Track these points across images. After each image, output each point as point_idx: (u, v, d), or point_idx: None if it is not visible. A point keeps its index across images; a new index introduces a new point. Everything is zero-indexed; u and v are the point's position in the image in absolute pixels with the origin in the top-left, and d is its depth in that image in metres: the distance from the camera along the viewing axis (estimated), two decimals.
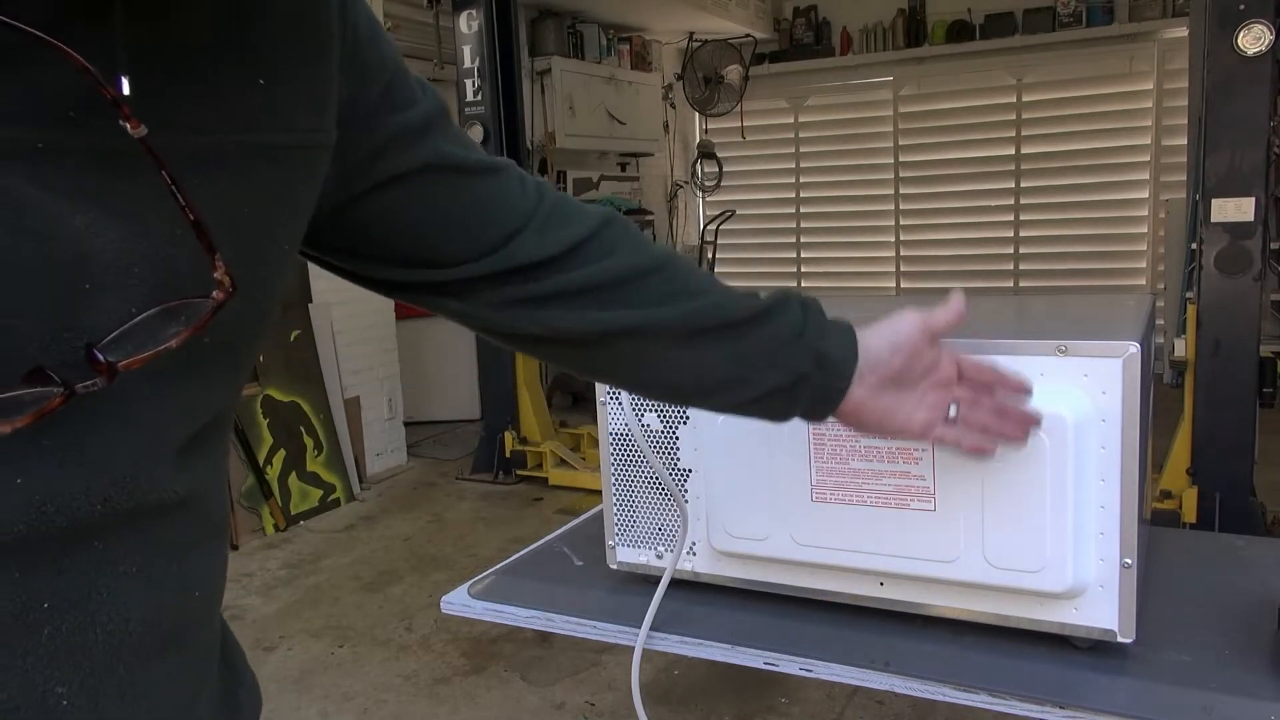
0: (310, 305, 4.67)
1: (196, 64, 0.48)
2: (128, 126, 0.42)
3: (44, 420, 0.41)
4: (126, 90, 0.43)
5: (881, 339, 0.77)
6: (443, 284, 0.66)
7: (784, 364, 0.73)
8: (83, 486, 0.45)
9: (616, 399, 1.10)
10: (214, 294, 0.46)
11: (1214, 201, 3.28)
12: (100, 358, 0.43)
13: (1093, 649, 0.93)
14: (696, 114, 7.67)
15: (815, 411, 0.77)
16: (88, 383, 0.42)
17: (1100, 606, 0.90)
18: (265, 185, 0.52)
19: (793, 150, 7.98)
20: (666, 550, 1.11)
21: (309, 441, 4.55)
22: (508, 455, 4.90)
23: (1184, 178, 6.16)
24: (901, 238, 7.68)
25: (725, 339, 0.72)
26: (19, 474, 0.43)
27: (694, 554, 1.09)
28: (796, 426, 0.97)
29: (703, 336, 0.72)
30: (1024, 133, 7.14)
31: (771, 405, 0.76)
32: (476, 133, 4.72)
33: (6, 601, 0.44)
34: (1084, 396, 0.87)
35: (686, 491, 1.07)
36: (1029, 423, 0.85)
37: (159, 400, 0.48)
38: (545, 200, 0.68)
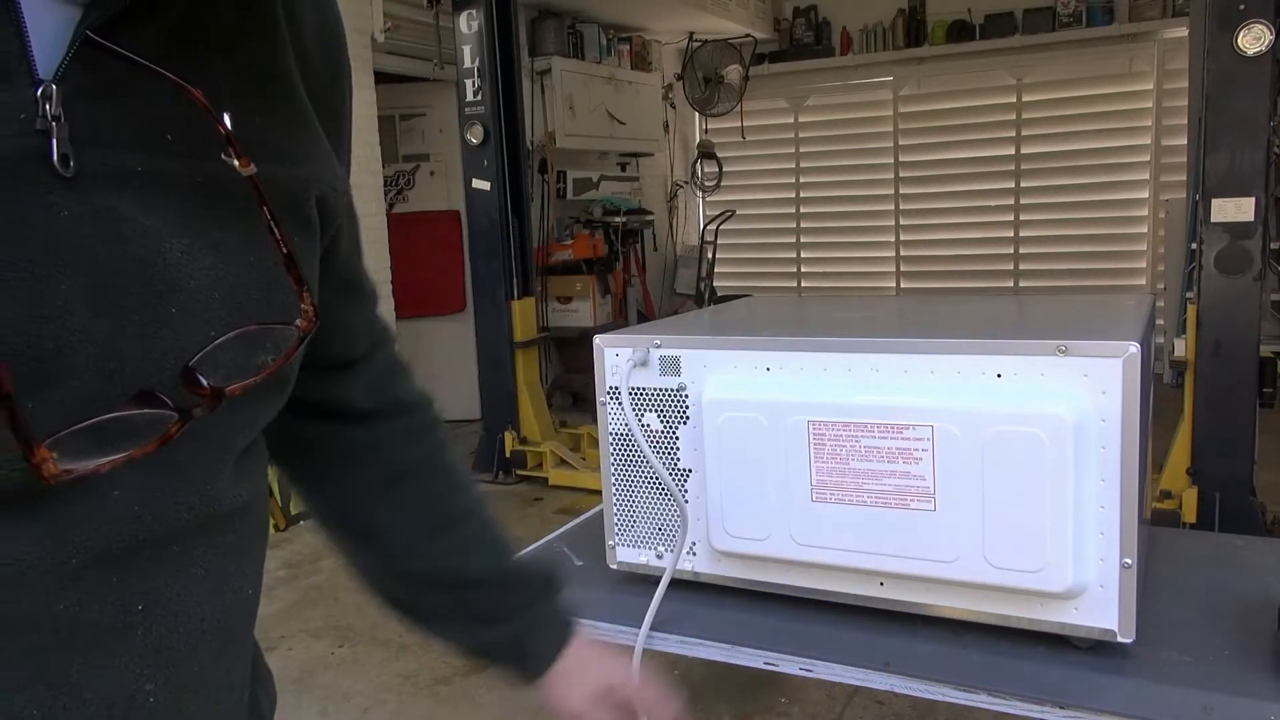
0: None
1: (278, 109, 0.52)
2: (236, 164, 0.45)
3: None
4: (230, 125, 0.45)
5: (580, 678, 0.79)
6: None
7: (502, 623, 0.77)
8: (172, 496, 0.48)
9: (616, 399, 1.10)
10: (297, 322, 0.49)
11: (1214, 201, 3.28)
12: (203, 382, 0.45)
13: (1093, 649, 0.93)
14: (696, 114, 7.67)
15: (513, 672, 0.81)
16: (197, 407, 0.44)
17: (1100, 606, 0.90)
18: (316, 229, 0.56)
19: (793, 150, 7.97)
20: (666, 550, 1.11)
21: None
22: (508, 455, 4.90)
23: (1184, 178, 6.16)
24: (901, 238, 7.68)
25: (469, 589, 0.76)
26: (115, 487, 0.45)
27: (694, 554, 1.09)
28: (797, 426, 0.97)
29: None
30: (1024, 133, 7.13)
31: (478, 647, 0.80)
32: (477, 132, 4.73)
33: (108, 606, 0.46)
34: (1084, 396, 0.87)
35: (686, 491, 1.07)
36: None
37: (229, 414, 0.50)
38: (378, 351, 0.72)
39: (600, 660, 0.82)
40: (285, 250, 0.47)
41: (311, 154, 0.55)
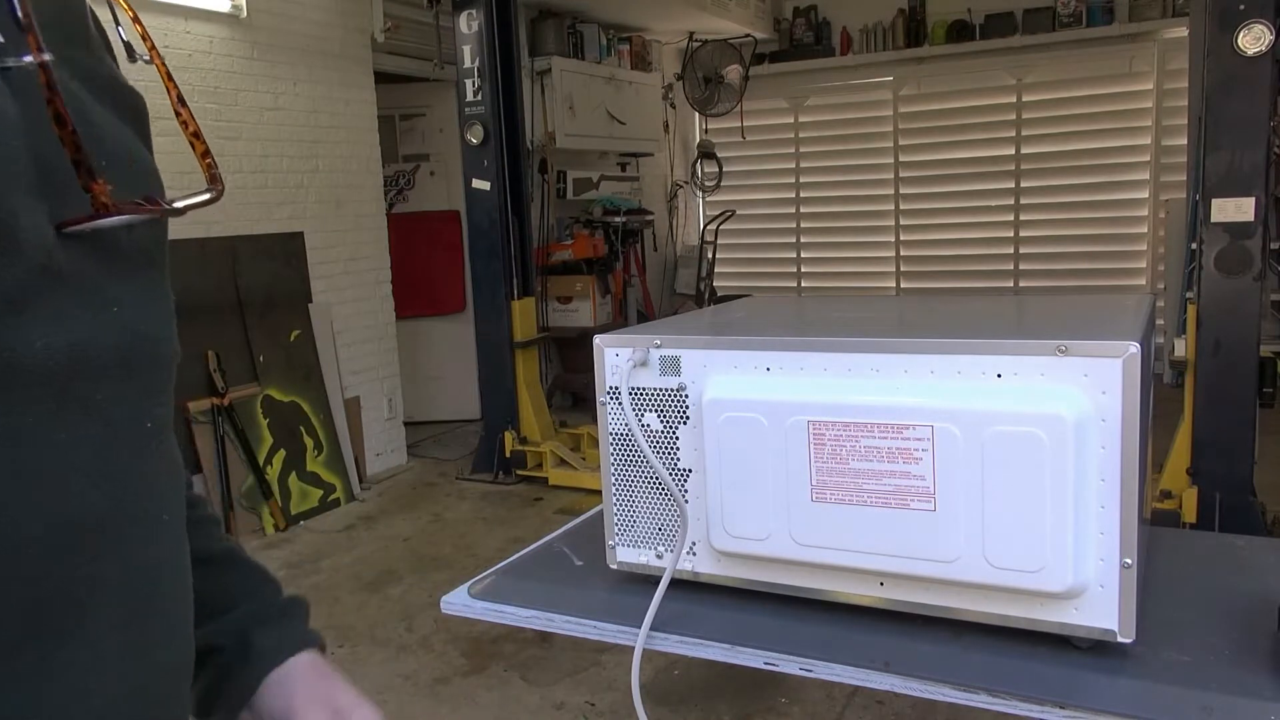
0: (310, 305, 4.66)
1: (59, 6, 0.54)
2: (30, 57, 0.46)
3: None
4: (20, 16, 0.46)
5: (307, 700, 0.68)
6: None
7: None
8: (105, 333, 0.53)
9: (616, 399, 1.10)
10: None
11: (1214, 201, 3.28)
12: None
13: (1093, 649, 0.93)
14: (696, 114, 7.67)
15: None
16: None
17: (1100, 606, 0.90)
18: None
19: (793, 150, 7.98)
20: (666, 550, 1.11)
21: (309, 441, 4.55)
22: (508, 455, 4.90)
23: (1184, 178, 6.16)
24: (901, 238, 7.68)
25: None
26: (62, 316, 0.48)
27: (694, 554, 1.09)
28: (797, 426, 0.97)
29: None
30: (1024, 133, 7.14)
31: None
32: (477, 132, 4.73)
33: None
34: (1084, 396, 0.87)
35: (686, 491, 1.07)
36: None
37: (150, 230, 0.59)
38: None
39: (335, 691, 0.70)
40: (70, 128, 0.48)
41: (100, 57, 0.57)
